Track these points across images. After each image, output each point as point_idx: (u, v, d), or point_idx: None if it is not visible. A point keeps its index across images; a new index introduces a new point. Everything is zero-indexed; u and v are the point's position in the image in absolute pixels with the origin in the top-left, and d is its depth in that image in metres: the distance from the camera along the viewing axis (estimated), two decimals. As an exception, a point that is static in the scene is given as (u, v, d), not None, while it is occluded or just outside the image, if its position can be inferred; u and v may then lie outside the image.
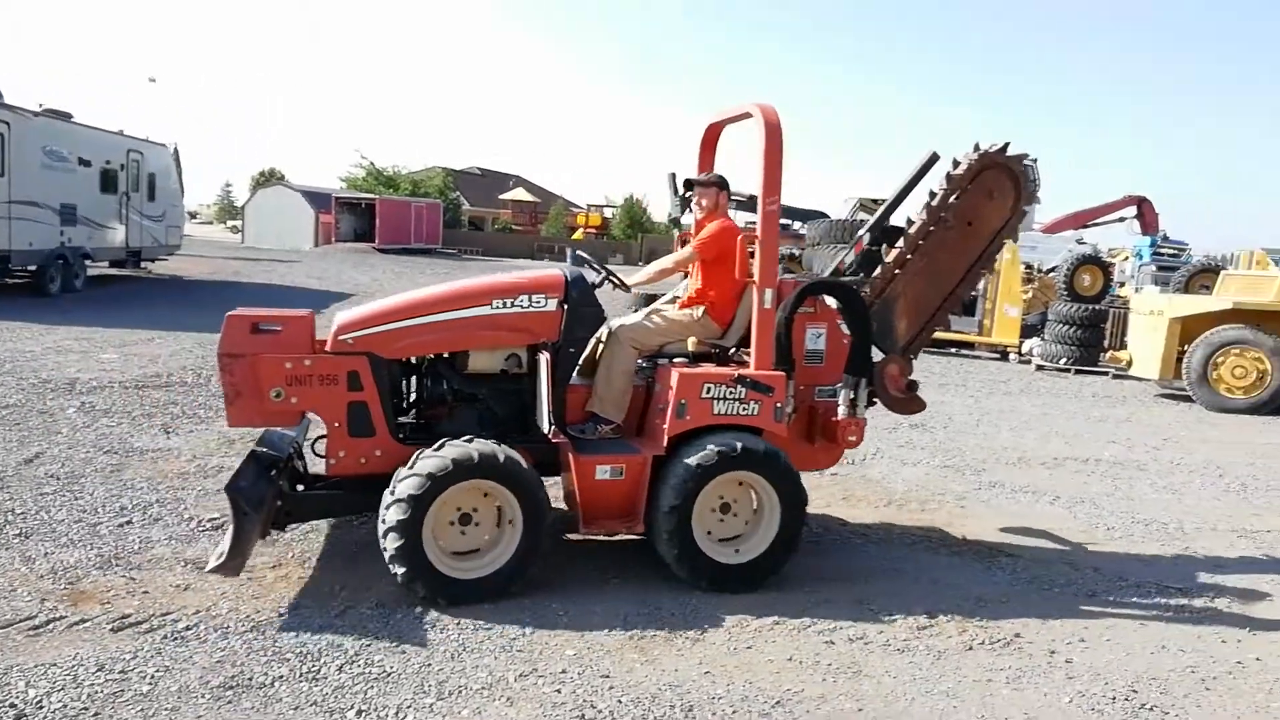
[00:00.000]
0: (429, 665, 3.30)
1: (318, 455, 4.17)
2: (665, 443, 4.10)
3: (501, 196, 56.00)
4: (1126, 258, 27.93)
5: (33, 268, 14.37)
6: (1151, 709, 3.26)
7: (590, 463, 4.06)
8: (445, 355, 4.28)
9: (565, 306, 4.17)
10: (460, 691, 3.13)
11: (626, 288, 4.64)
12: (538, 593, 4.01)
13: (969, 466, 6.97)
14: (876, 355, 4.64)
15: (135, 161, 17.59)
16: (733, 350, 4.62)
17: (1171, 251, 34.29)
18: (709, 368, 4.36)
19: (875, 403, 4.76)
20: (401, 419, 4.32)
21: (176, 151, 20.65)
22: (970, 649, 3.69)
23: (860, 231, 5.15)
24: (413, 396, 4.45)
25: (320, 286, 20.23)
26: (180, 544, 4.38)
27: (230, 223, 62.56)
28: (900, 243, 4.89)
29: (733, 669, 3.41)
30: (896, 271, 4.84)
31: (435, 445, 3.77)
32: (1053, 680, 3.46)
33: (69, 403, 7.13)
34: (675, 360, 4.48)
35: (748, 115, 4.42)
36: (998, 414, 9.55)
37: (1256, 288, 11.21)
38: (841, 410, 4.46)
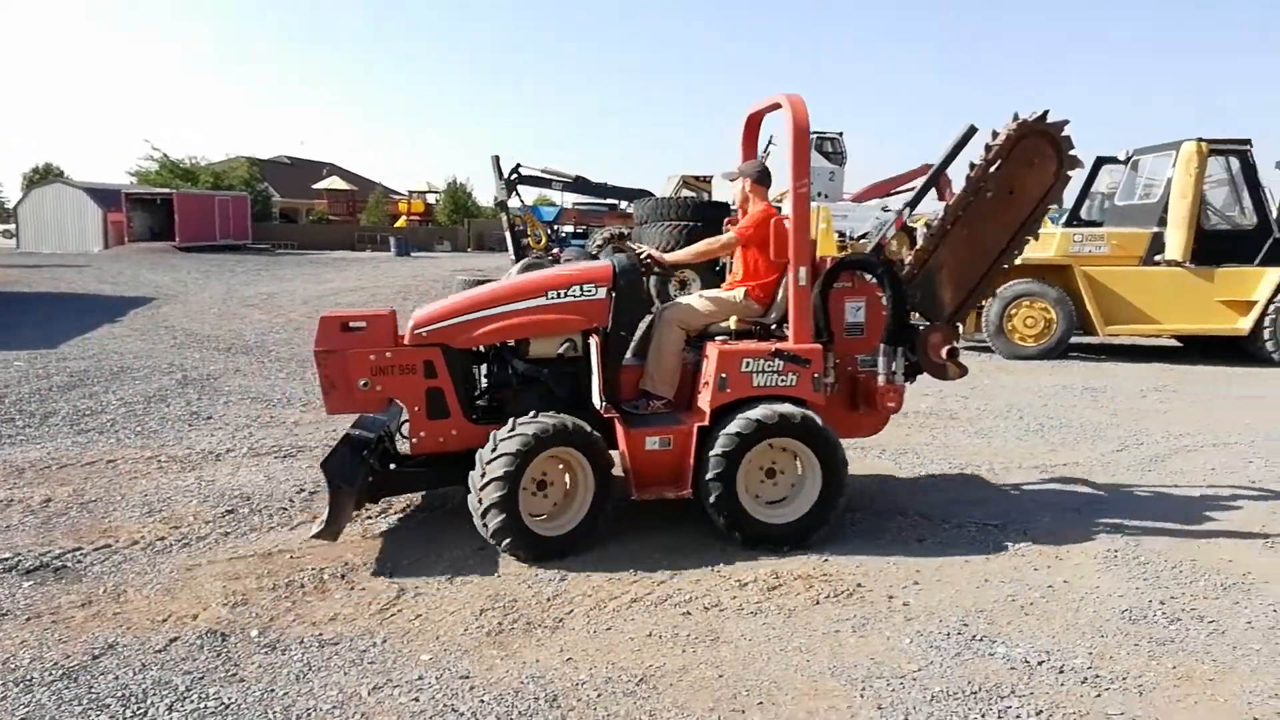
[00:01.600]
0: (272, 691, 3.09)
1: (403, 437, 4.65)
2: (709, 414, 4.45)
3: (315, 186, 53.24)
4: (928, 223, 30.01)
5: None
6: (981, 639, 3.52)
7: (640, 435, 4.47)
8: (510, 343, 4.72)
9: (614, 295, 4.60)
10: (310, 715, 2.95)
11: (669, 269, 4.99)
12: (385, 597, 3.85)
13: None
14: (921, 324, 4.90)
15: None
16: (774, 327, 4.86)
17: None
18: (749, 343, 4.65)
19: (921, 371, 4.89)
20: (474, 402, 4.80)
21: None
22: (817, 603, 3.85)
23: (900, 207, 5.33)
24: (483, 382, 4.89)
25: (115, 291, 18.51)
26: (-34, 592, 3.89)
27: (1, 227, 56.12)
28: (942, 213, 5.01)
29: (594, 652, 3.40)
30: (939, 243, 4.95)
31: (525, 417, 4.26)
32: (893, 624, 3.66)
33: None
34: (718, 338, 4.75)
35: (778, 106, 4.72)
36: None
37: (1040, 245, 12.30)
38: (881, 378, 4.69)
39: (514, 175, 22.80)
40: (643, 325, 4.96)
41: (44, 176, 50.39)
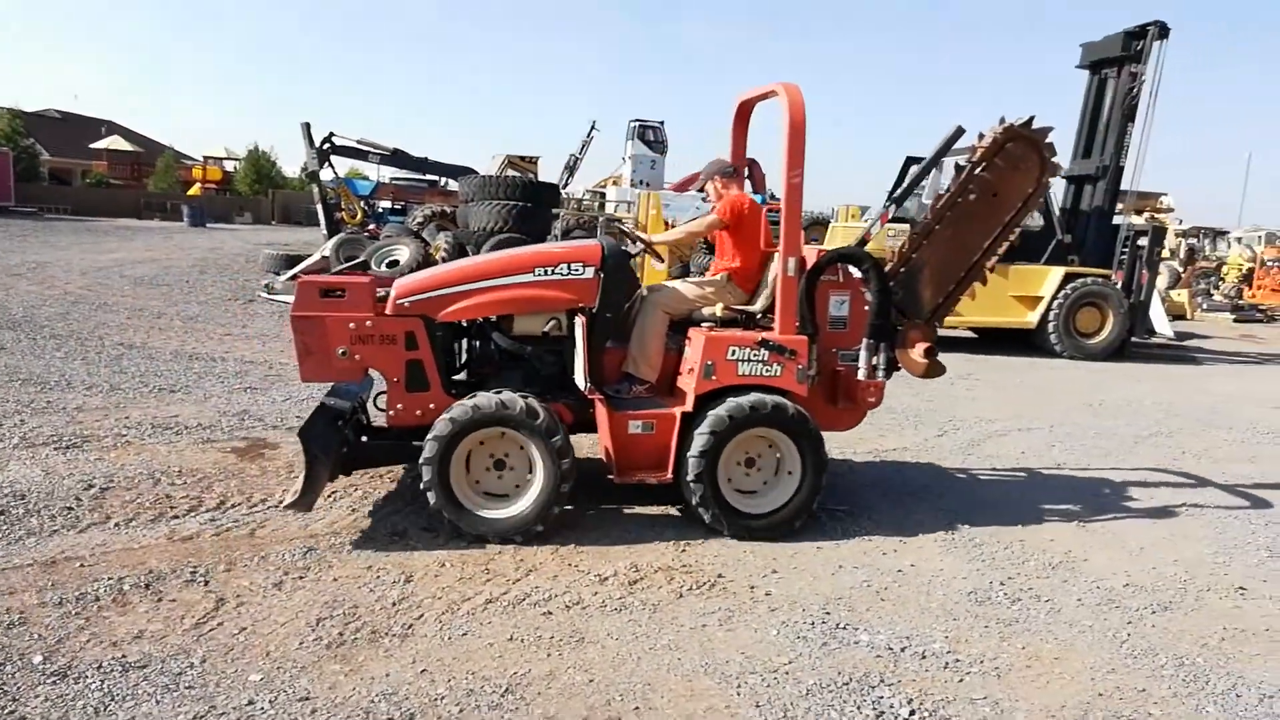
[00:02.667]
0: (64, 729, 2.60)
1: (379, 409, 4.63)
2: (693, 400, 4.44)
3: (93, 146, 47.93)
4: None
5: None
6: (844, 627, 3.53)
7: (623, 418, 4.45)
8: (494, 319, 4.67)
9: (602, 275, 4.50)
10: (114, 755, 2.49)
11: (659, 255, 5.07)
12: (201, 609, 3.37)
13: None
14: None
15: None
16: (759, 316, 4.82)
17: (778, 208, 39.01)
18: (735, 331, 4.62)
19: (900, 368, 4.83)
20: (456, 377, 4.79)
21: None
22: (681, 596, 3.74)
23: (885, 203, 5.14)
24: (464, 357, 4.87)
25: None
26: None
27: None
28: (927, 213, 4.99)
29: (451, 662, 3.11)
30: (923, 241, 4.92)
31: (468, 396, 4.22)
32: (758, 615, 3.61)
33: None
34: (705, 325, 4.71)
35: (773, 94, 4.65)
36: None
37: (854, 236, 12.94)
38: (862, 373, 4.67)
39: (326, 145, 21.43)
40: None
41: None
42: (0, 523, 4.14)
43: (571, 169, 35.16)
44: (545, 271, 4.51)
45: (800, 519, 4.50)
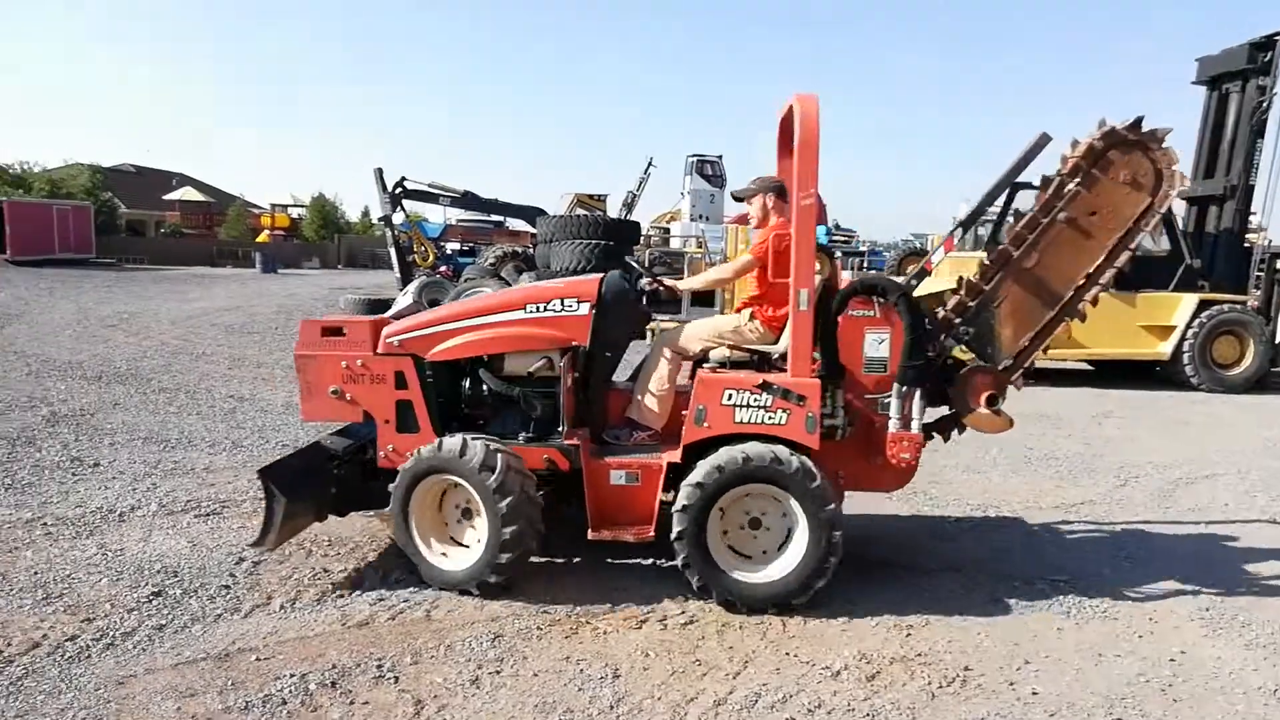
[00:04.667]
0: None
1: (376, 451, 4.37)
2: (680, 450, 4.02)
3: (166, 197, 49.39)
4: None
5: None
6: (1145, 735, 3.00)
7: (604, 467, 4.09)
8: (485, 358, 4.33)
9: (596, 311, 4.17)
10: None
11: (675, 294, 4.69)
12: (399, 712, 2.98)
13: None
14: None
15: None
16: (777, 358, 4.21)
17: (843, 239, 38.30)
18: (734, 373, 4.11)
19: (959, 422, 4.24)
20: (456, 419, 4.43)
21: None
22: (934, 697, 3.25)
23: (952, 228, 4.53)
24: (462, 399, 4.51)
25: (-59, 310, 16.12)
26: None
27: None
28: (1003, 236, 4.27)
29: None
30: (999, 271, 4.24)
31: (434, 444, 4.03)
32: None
33: None
34: (708, 366, 4.26)
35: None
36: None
37: (967, 266, 12.34)
38: (892, 424, 3.99)
39: (399, 189, 21.58)
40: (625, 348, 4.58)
41: None
42: (160, 606, 3.83)
43: (630, 205, 35.08)
44: (537, 309, 4.21)
45: (804, 596, 3.87)
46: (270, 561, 4.39)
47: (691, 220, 30.02)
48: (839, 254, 24.77)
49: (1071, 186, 4.13)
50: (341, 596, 4.00)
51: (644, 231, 29.03)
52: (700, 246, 22.99)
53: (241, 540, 4.63)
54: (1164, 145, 4.10)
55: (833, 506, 3.84)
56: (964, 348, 4.28)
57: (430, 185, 22.77)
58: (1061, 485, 6.29)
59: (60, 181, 40.57)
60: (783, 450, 3.83)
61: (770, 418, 3.91)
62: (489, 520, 3.92)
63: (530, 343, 4.22)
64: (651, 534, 4.03)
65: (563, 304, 4.19)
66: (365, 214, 52.44)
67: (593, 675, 3.34)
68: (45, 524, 4.82)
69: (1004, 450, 7.39)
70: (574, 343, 4.21)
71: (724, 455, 3.85)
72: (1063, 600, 4.16)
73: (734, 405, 3.94)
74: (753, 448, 3.83)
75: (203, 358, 11.23)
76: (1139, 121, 4.08)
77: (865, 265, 26.86)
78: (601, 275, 4.32)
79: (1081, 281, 4.20)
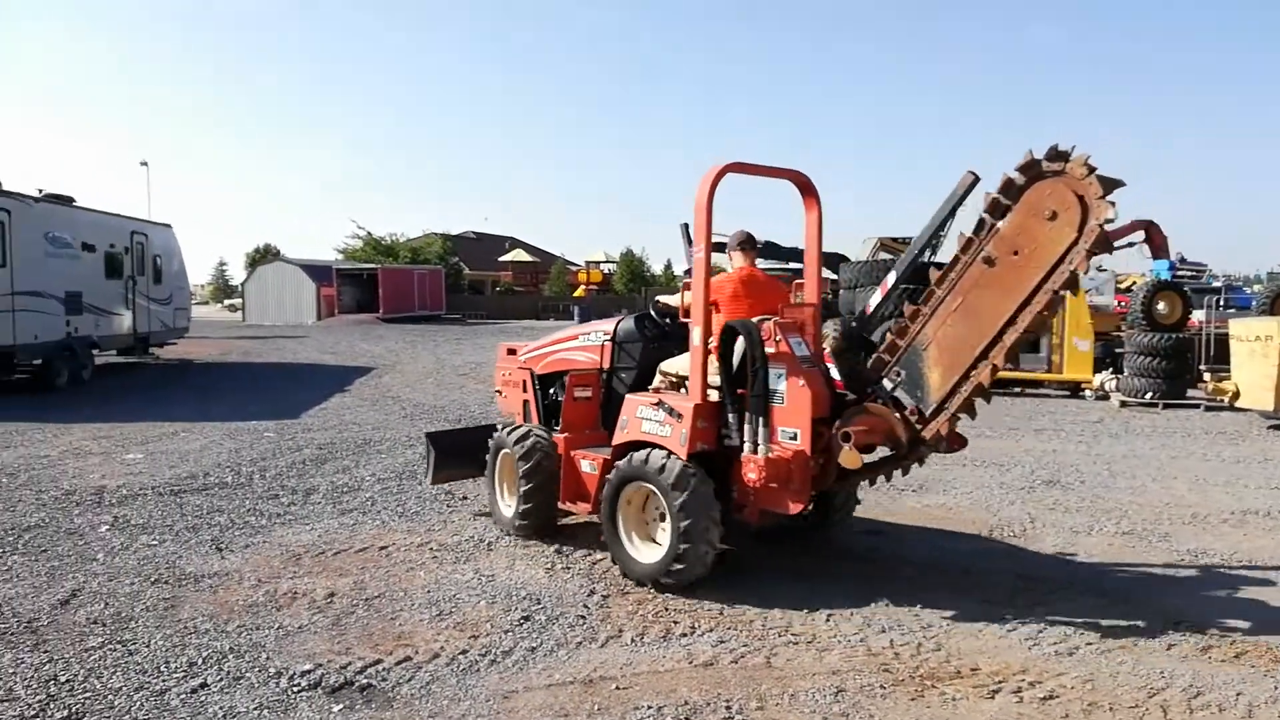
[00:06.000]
0: None
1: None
2: (613, 450, 5.08)
3: (500, 259, 55.53)
4: (1135, 282, 27.49)
5: (38, 361, 13.45)
6: None
7: (579, 455, 5.40)
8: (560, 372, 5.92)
9: (610, 342, 5.62)
10: None
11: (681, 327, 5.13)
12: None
13: (1149, 532, 6.04)
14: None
15: (139, 244, 16.80)
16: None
17: (1191, 273, 33.76)
18: (643, 394, 5.07)
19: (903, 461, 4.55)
20: (554, 416, 5.84)
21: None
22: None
23: (889, 273, 4.72)
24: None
25: (336, 361, 19.35)
26: (273, 713, 3.41)
27: (227, 301, 61.81)
28: (932, 279, 4.32)
29: None
30: (923, 312, 4.27)
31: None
32: None
33: (99, 518, 6.17)
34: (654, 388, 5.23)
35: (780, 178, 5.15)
36: (1122, 460, 8.63)
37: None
38: (746, 447, 4.49)
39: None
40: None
41: (264, 256, 55.02)
42: (530, 630, 4.26)
43: (934, 247, 33.67)
44: (586, 337, 5.80)
45: (669, 579, 4.60)
46: (616, 595, 4.73)
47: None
48: (1187, 288, 21.98)
49: (993, 226, 3.96)
50: (685, 636, 4.20)
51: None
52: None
53: (590, 570, 5.05)
54: (1091, 172, 3.69)
55: (691, 508, 4.47)
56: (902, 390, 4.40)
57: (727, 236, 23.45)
58: None
59: (419, 249, 47.00)
60: (658, 456, 4.64)
61: (661, 430, 4.75)
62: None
63: (578, 364, 5.75)
64: (589, 509, 5.30)
65: (595, 335, 5.73)
66: (668, 266, 55.34)
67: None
68: (431, 548, 5.57)
69: None
70: (601, 366, 5.62)
71: (631, 456, 4.81)
72: None
73: (642, 418, 4.89)
74: (649, 453, 4.70)
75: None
76: (1055, 149, 3.79)
77: (1223, 303, 23.50)
78: (619, 319, 5.72)
79: (1007, 321, 4.01)
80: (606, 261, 55.52)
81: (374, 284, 37.65)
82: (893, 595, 4.67)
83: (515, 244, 61.36)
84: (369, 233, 46.06)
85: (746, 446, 4.46)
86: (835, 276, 27.39)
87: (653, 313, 5.67)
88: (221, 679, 3.70)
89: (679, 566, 4.55)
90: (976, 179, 5.30)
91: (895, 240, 29.98)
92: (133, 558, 5.31)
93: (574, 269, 55.11)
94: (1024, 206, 3.97)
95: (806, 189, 5.13)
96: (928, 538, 5.98)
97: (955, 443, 4.41)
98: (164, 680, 3.68)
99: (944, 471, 7.81)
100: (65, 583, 4.85)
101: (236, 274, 70.82)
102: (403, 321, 35.63)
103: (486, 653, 3.98)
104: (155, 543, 5.62)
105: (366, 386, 14.61)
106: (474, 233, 64.00)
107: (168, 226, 18.79)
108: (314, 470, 7.83)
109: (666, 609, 4.53)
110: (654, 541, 4.82)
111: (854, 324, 15.61)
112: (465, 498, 6.86)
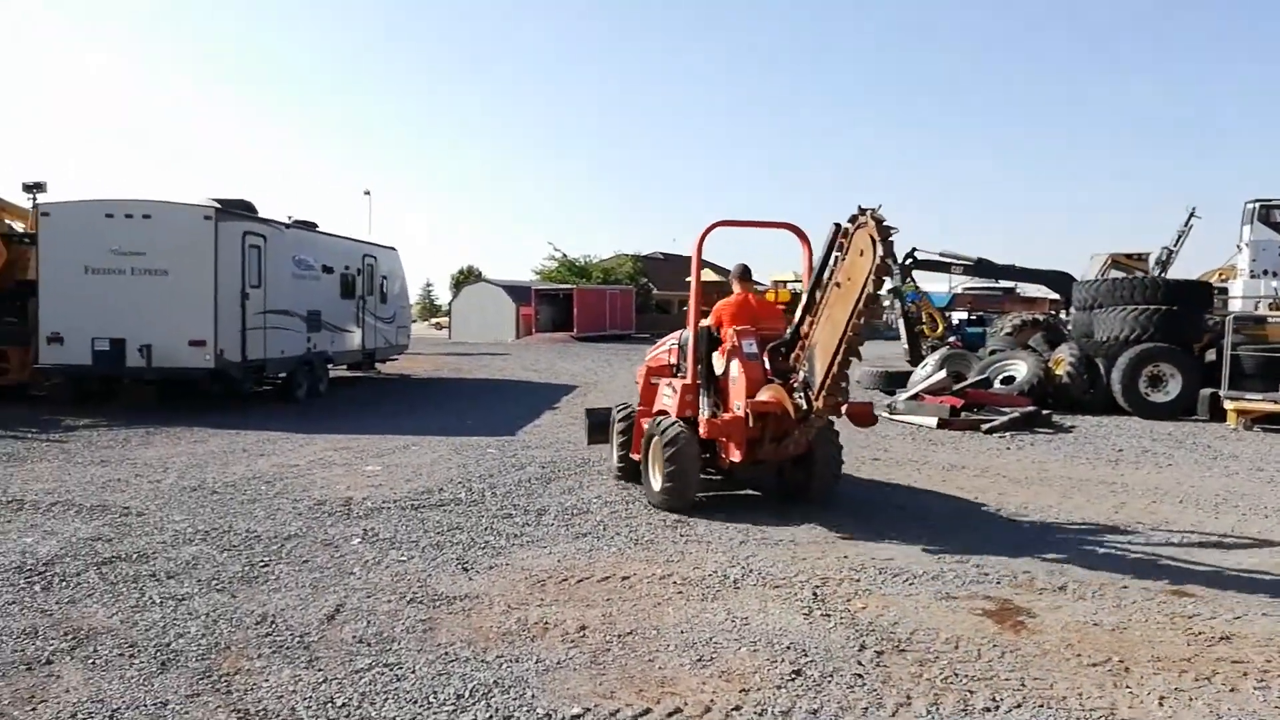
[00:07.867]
0: None
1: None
2: (649, 418, 7.59)
3: (687, 279, 55.75)
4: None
5: (283, 375, 14.54)
6: None
7: (641, 418, 7.81)
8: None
9: (677, 346, 7.78)
10: None
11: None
12: None
13: None
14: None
15: (370, 266, 17.93)
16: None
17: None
18: (669, 377, 7.78)
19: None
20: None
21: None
22: None
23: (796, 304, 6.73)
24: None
25: (540, 379, 19.86)
26: (551, 762, 3.18)
27: (434, 320, 65.82)
28: (819, 298, 6.27)
29: None
30: (813, 322, 6.29)
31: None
32: None
33: (350, 530, 6.34)
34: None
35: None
36: None
37: None
38: (704, 412, 7.08)
39: (909, 260, 21.42)
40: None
41: (468, 277, 58.15)
42: (804, 687, 3.84)
43: (1165, 263, 30.50)
44: (667, 344, 8.07)
45: (653, 500, 7.08)
46: (889, 652, 4.24)
47: (1252, 276, 25.07)
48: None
49: (837, 261, 6.01)
50: (989, 711, 3.65)
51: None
52: (1277, 308, 18.96)
53: (854, 619, 4.59)
54: (882, 223, 5.52)
55: (674, 454, 6.79)
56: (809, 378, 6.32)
57: (941, 254, 22.27)
58: None
59: (610, 270, 48.05)
60: (666, 418, 7.14)
61: (670, 402, 7.32)
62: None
63: (665, 371, 7.95)
64: (637, 455, 7.62)
65: (670, 342, 8.04)
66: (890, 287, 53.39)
67: None
68: (675, 581, 5.28)
69: None
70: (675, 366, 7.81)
71: (653, 419, 7.37)
72: None
73: (662, 394, 7.60)
74: (662, 419, 7.16)
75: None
76: (865, 209, 5.69)
77: None
78: (680, 331, 7.83)
79: (845, 327, 5.84)
80: (795, 280, 54.45)
81: (569, 303, 38.77)
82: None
83: (704, 264, 61.42)
84: (564, 254, 47.63)
85: (705, 412, 6.93)
86: (1056, 296, 25.31)
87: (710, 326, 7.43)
88: (490, 715, 3.54)
89: (669, 485, 6.88)
90: (838, 227, 6.24)
91: (1129, 257, 27.51)
92: (386, 574, 5.36)
93: (762, 289, 54.49)
94: (851, 246, 5.86)
95: (800, 235, 7.71)
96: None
97: (857, 418, 6.49)
98: (434, 713, 3.56)
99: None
100: (329, 596, 4.93)
101: (441, 294, 75.29)
102: (595, 340, 36.42)
103: (763, 712, 3.61)
104: (404, 559, 5.67)
105: (573, 404, 14.76)
106: (662, 253, 64.75)
107: (393, 249, 19.97)
108: (541, 490, 7.81)
109: (955, 674, 3.99)
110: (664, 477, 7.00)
111: (1085, 351, 14.33)
112: (692, 528, 6.55)
